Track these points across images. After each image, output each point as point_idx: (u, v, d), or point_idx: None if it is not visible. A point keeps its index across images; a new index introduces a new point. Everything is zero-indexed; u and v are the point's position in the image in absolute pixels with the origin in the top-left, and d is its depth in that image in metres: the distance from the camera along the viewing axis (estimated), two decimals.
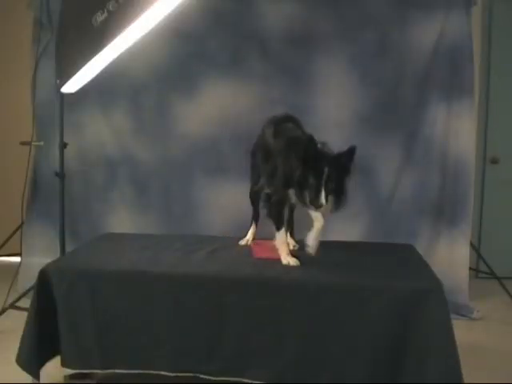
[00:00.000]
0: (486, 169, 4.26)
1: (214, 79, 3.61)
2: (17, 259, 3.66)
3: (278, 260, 2.25)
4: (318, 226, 2.19)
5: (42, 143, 3.35)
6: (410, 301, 1.94)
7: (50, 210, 3.58)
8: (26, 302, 2.55)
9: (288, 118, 2.44)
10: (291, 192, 2.17)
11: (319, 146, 2.11)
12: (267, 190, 2.38)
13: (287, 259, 2.22)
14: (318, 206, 2.04)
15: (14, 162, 3.78)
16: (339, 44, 3.53)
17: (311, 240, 2.20)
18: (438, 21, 3.45)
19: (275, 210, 2.27)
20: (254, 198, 2.63)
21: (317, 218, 2.18)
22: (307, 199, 2.07)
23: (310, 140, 2.08)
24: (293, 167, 2.11)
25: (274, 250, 2.29)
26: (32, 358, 2.12)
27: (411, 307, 1.93)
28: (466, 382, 1.87)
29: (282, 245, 2.27)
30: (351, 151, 2.08)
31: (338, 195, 2.11)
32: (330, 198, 2.08)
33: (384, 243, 2.83)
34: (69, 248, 2.99)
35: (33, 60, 3.60)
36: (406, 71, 3.52)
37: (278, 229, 2.26)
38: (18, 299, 3.11)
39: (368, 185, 3.59)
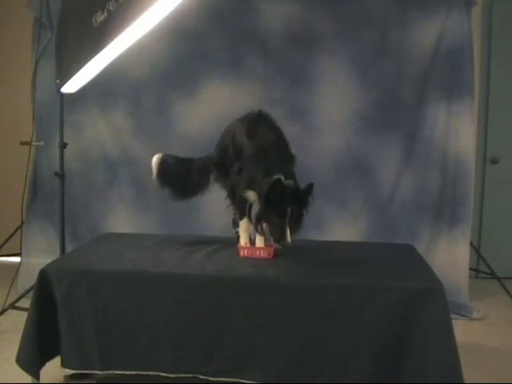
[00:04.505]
0: (486, 169, 4.26)
1: (214, 79, 3.61)
2: (17, 259, 3.67)
3: (260, 259, 2.34)
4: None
5: (41, 143, 3.34)
6: (410, 301, 1.94)
7: (49, 210, 3.59)
8: (26, 302, 2.55)
9: (262, 118, 2.43)
10: (251, 194, 2.31)
11: (285, 182, 2.15)
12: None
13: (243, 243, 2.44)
14: (284, 243, 2.16)
15: (14, 162, 3.78)
16: (339, 44, 3.53)
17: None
18: (438, 21, 3.45)
19: (239, 202, 2.44)
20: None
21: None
22: (269, 234, 2.22)
23: (277, 181, 2.13)
24: (257, 179, 2.22)
25: (258, 250, 2.38)
26: (32, 358, 2.12)
27: (411, 307, 1.93)
28: (466, 381, 1.87)
29: (243, 232, 2.46)
30: (310, 187, 2.17)
31: (296, 224, 2.21)
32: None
33: (384, 243, 2.83)
34: (69, 248, 2.99)
35: (33, 60, 3.60)
36: (406, 71, 3.52)
37: (241, 218, 2.47)
38: (18, 299, 3.11)
39: (368, 185, 3.60)
